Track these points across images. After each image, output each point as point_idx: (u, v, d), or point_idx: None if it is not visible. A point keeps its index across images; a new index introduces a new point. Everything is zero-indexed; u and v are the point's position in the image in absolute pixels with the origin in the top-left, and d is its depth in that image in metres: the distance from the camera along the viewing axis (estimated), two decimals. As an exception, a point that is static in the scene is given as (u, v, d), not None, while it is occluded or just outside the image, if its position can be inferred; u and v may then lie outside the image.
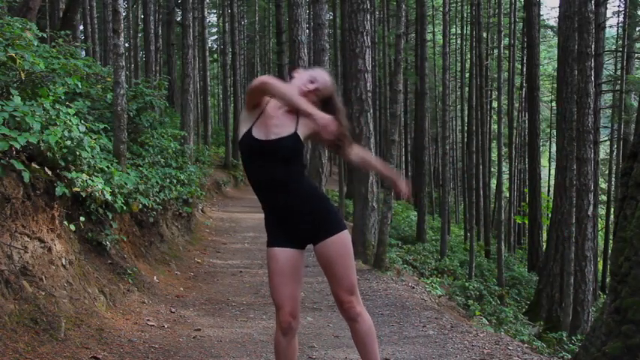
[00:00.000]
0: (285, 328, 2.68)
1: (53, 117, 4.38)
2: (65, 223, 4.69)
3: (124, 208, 5.53)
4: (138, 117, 7.38)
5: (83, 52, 13.54)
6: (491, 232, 20.47)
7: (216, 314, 5.45)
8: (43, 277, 4.07)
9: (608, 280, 15.10)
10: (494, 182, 23.54)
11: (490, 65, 21.99)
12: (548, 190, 24.71)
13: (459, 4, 26.88)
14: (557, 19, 18.61)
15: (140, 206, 6.08)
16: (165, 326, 4.79)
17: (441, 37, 21.39)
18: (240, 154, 2.78)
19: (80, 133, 4.61)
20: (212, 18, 39.30)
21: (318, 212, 2.69)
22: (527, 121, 19.81)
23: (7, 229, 3.87)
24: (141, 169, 6.76)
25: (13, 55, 4.41)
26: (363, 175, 8.77)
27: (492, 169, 24.40)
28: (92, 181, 4.77)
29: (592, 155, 10.06)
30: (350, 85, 9.31)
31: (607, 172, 20.84)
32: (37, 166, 4.24)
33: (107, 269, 5.33)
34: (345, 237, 2.73)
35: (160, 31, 21.65)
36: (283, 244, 2.70)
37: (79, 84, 5.45)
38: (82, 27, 17.29)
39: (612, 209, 17.89)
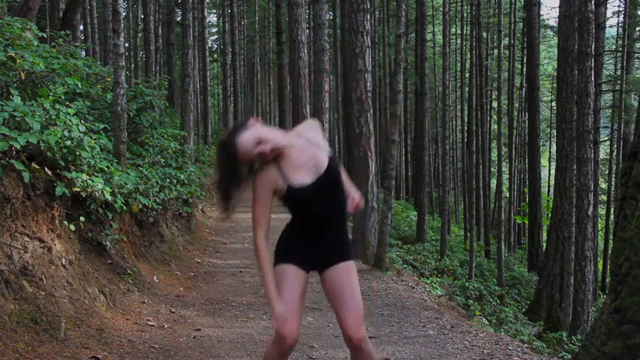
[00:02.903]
0: (290, 344, 2.50)
1: (53, 117, 4.38)
2: (65, 223, 4.69)
3: (124, 208, 5.53)
4: (138, 117, 7.38)
5: (83, 52, 13.54)
6: (492, 232, 20.47)
7: (216, 314, 5.45)
8: (43, 277, 4.07)
9: (608, 280, 15.11)
10: (494, 182, 23.53)
11: (490, 65, 21.99)
12: (548, 190, 24.70)
13: (459, 4, 26.87)
14: (557, 19, 18.62)
15: (140, 206, 6.08)
16: (165, 326, 4.79)
17: (441, 37, 21.39)
18: (292, 205, 2.61)
19: (80, 133, 4.62)
20: (212, 18, 39.36)
21: (342, 235, 2.68)
22: (527, 121, 19.80)
23: (7, 229, 3.87)
24: (141, 169, 6.76)
25: (13, 55, 4.41)
26: (363, 175, 8.77)
27: (492, 169, 24.40)
28: (92, 181, 4.77)
29: (592, 155, 10.06)
30: (350, 85, 9.30)
31: (607, 172, 20.84)
32: (37, 166, 4.25)
33: (107, 269, 5.34)
34: (354, 266, 2.71)
35: (160, 31, 21.65)
36: (299, 265, 2.63)
37: (79, 84, 5.46)
38: (82, 27, 17.30)
39: (612, 209, 17.88)
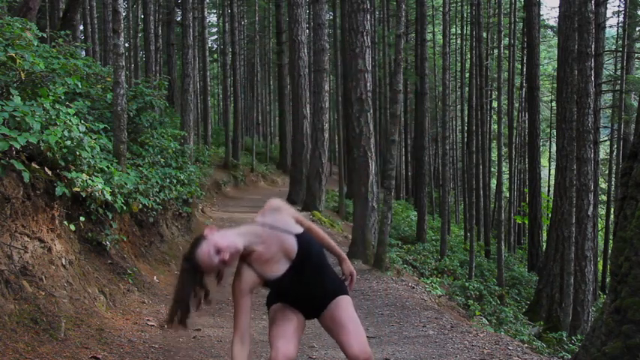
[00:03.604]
0: None
1: (53, 117, 4.38)
2: (65, 223, 4.69)
3: (124, 208, 5.53)
4: (138, 117, 7.38)
5: (83, 52, 13.54)
6: (492, 232, 20.47)
7: (216, 314, 5.45)
8: (43, 277, 4.07)
9: (608, 280, 15.11)
10: (494, 182, 23.54)
11: (490, 65, 21.99)
12: (548, 190, 24.71)
13: (459, 4, 26.88)
14: (557, 19, 18.62)
15: (140, 206, 6.08)
16: (165, 326, 4.78)
17: (441, 37, 21.39)
18: (272, 288, 2.67)
19: (80, 133, 4.62)
20: (212, 18, 39.34)
21: (326, 281, 2.69)
22: (527, 121, 19.82)
23: (7, 229, 3.87)
24: (141, 169, 6.76)
25: (13, 55, 4.41)
26: (363, 175, 8.77)
27: (492, 169, 24.40)
28: (92, 181, 4.78)
29: (592, 155, 10.06)
30: (350, 85, 9.30)
31: (607, 172, 20.83)
32: (37, 166, 4.25)
33: (107, 269, 5.34)
34: (349, 299, 2.72)
35: (160, 31, 21.65)
36: (294, 306, 2.68)
37: (79, 84, 5.46)
38: (82, 27, 17.29)
39: (612, 209, 17.88)
